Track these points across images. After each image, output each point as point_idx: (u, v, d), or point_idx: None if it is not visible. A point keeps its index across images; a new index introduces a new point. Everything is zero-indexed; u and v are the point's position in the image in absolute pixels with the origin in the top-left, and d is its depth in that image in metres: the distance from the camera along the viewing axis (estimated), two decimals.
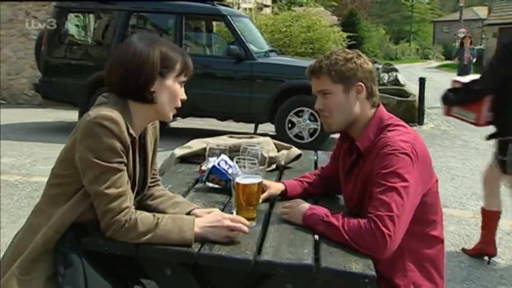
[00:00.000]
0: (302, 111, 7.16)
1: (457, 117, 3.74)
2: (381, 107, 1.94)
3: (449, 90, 3.73)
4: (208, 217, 1.68)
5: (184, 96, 1.77)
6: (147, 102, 1.69)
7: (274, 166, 2.66)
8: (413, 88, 11.28)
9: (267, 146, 2.67)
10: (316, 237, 1.76)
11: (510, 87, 3.24)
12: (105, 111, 1.58)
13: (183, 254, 1.57)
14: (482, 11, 51.27)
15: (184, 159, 2.73)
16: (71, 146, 1.61)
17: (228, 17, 7.43)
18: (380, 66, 13.72)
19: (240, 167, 2.00)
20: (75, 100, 7.72)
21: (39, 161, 6.21)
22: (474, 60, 13.31)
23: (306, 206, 1.85)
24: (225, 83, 7.41)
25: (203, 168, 2.38)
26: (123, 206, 1.57)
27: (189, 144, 2.79)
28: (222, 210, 1.94)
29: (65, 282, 1.53)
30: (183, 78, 1.75)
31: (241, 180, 1.80)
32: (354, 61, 1.88)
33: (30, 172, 5.71)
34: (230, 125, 8.06)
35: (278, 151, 2.75)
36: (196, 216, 1.72)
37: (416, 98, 9.76)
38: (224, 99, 7.32)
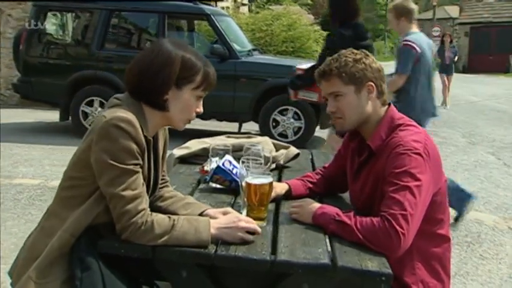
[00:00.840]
0: (286, 109, 7.20)
1: (303, 99, 4.62)
2: (392, 106, 1.97)
3: (295, 77, 4.60)
4: (223, 218, 1.69)
5: (201, 110, 1.76)
6: (158, 108, 1.68)
7: (273, 165, 2.67)
8: None
9: (267, 146, 2.68)
10: (327, 236, 1.78)
11: None
12: (121, 113, 1.58)
13: (200, 255, 1.58)
14: (453, 10, 51.95)
15: (183, 160, 2.72)
16: (86, 148, 1.59)
17: (211, 16, 7.42)
18: None
19: (245, 167, 2.01)
20: (56, 100, 7.63)
21: (20, 162, 6.10)
22: (456, 58, 12.84)
23: (315, 205, 1.87)
24: None
25: (205, 168, 2.38)
26: (140, 208, 1.56)
27: (187, 144, 2.79)
28: None
29: (83, 285, 1.51)
30: (200, 92, 1.72)
31: (252, 180, 1.80)
32: (363, 61, 1.91)
33: (12, 174, 5.61)
34: (213, 124, 8.02)
35: (277, 150, 2.76)
36: (210, 217, 1.72)
37: None
38: (207, 98, 7.19)
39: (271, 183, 1.83)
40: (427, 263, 1.90)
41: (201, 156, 2.67)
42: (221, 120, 7.63)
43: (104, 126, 1.55)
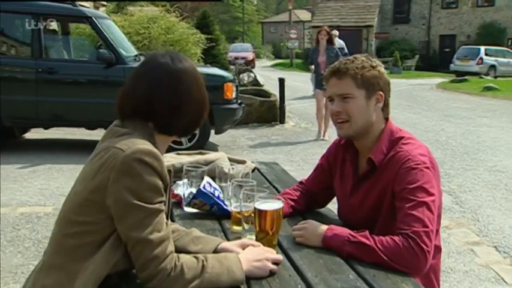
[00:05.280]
0: None
1: None
2: (390, 119, 1.95)
3: None
4: (249, 252, 1.54)
5: None
6: (186, 135, 1.52)
7: None
8: None
9: (225, 162, 2.54)
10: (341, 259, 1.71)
11: None
12: (142, 145, 1.36)
13: None
14: (301, 14, 55.24)
15: None
16: (97, 187, 1.34)
17: (94, 19, 6.93)
18: (233, 67, 13.95)
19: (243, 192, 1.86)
20: None
21: None
22: None
23: (323, 227, 1.78)
24: (94, 89, 6.91)
25: (176, 192, 2.17)
26: (168, 251, 1.36)
27: None
28: (227, 239, 1.80)
29: None
30: None
31: (264, 206, 1.67)
32: (378, 69, 1.88)
33: None
34: (93, 134, 7.53)
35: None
36: (229, 251, 1.57)
37: (277, 97, 10.12)
38: (94, 106, 6.81)
39: (283, 208, 1.71)
40: (425, 276, 1.90)
41: None
42: None
43: (125, 161, 1.32)
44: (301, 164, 6.88)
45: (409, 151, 1.80)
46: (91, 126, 7.21)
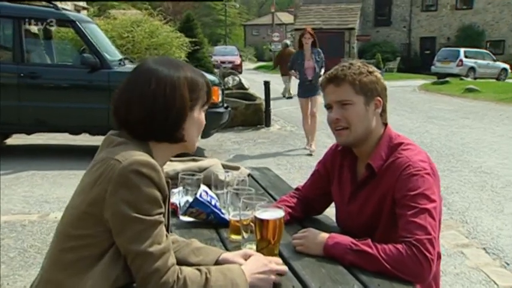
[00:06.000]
0: None
1: None
2: (389, 125, 1.93)
3: None
4: (252, 263, 1.50)
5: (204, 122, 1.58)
6: (175, 141, 1.46)
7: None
8: None
9: (219, 169, 2.49)
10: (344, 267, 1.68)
11: None
12: (139, 156, 1.32)
13: None
14: (284, 17, 55.47)
15: None
16: (95, 200, 1.30)
17: (77, 23, 6.83)
18: (217, 71, 13.90)
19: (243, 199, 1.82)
20: None
21: None
22: (323, 71, 7.62)
23: (323, 235, 1.75)
24: (78, 94, 6.81)
25: (171, 200, 2.12)
26: (169, 263, 1.32)
27: None
28: (226, 248, 1.77)
29: None
30: (206, 106, 1.56)
31: (265, 215, 1.63)
32: (375, 75, 1.86)
33: None
34: (77, 139, 7.43)
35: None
36: (231, 262, 1.53)
37: (263, 100, 10.10)
38: (78, 111, 6.72)
39: (284, 216, 1.68)
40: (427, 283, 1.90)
41: None
42: (94, 135, 7.04)
43: (122, 173, 1.28)
44: (288, 167, 6.87)
45: (409, 157, 1.78)
46: (75, 132, 7.10)
